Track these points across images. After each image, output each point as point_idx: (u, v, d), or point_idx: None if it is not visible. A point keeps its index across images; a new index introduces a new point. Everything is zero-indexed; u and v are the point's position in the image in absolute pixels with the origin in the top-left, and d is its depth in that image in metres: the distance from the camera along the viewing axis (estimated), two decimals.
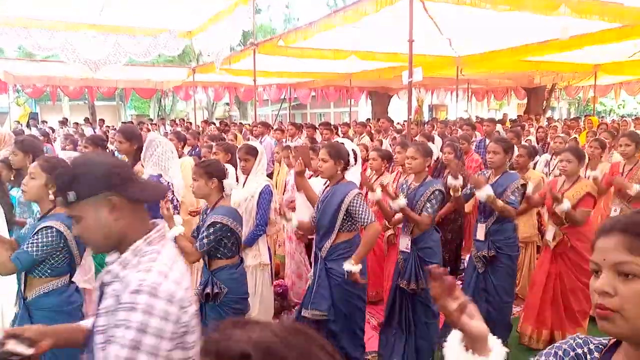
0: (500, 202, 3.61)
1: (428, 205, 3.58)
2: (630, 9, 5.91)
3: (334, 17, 6.48)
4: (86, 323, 1.22)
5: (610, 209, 4.77)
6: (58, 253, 2.55)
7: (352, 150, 3.46)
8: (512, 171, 4.02)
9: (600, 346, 1.05)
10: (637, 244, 0.91)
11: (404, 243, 3.71)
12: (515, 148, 4.06)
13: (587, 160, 4.65)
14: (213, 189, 3.11)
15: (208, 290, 2.97)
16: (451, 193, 3.94)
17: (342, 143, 3.45)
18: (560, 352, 1.08)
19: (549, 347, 1.12)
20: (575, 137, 7.88)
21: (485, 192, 3.54)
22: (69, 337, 1.56)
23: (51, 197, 2.62)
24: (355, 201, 3.22)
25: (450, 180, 3.86)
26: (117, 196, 1.43)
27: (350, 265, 3.15)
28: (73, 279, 2.76)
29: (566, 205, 3.70)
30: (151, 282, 1.34)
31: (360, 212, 3.21)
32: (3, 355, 1.37)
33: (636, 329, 0.90)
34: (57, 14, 8.91)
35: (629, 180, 4.63)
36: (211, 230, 2.97)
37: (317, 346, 0.76)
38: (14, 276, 2.71)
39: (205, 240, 2.97)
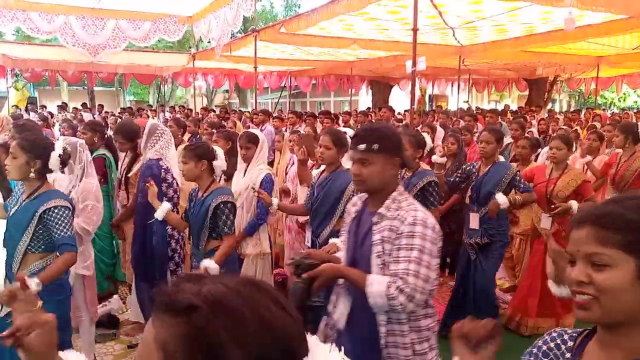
0: (518, 197, 3.62)
1: (431, 199, 3.56)
2: (637, 0, 5.85)
3: (336, 5, 6.40)
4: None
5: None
6: None
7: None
8: (502, 160, 4.02)
9: (574, 334, 1.10)
10: (607, 236, 0.96)
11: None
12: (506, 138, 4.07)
13: (574, 148, 4.77)
14: (203, 171, 3.10)
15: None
16: (435, 170, 3.97)
17: (345, 132, 3.42)
18: (534, 350, 1.14)
19: (529, 347, 1.18)
20: (576, 130, 7.86)
21: (502, 201, 3.55)
22: None
23: (32, 175, 2.62)
24: (349, 192, 3.20)
25: (434, 157, 3.87)
26: (399, 159, 2.03)
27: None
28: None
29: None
30: (421, 217, 1.90)
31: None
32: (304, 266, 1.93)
33: (610, 315, 0.96)
34: None
35: (624, 170, 4.67)
36: (226, 210, 3.00)
37: (269, 298, 0.74)
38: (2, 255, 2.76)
39: (229, 222, 3.01)
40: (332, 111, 14.09)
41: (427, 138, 3.91)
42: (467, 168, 4.10)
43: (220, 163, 3.17)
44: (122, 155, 4.68)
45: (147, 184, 3.07)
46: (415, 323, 1.96)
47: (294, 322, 0.74)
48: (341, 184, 3.25)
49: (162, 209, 3.13)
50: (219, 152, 3.21)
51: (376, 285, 1.85)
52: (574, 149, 4.57)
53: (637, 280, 0.93)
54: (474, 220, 3.92)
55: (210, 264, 2.84)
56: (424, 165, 4.48)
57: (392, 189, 2.02)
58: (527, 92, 18.54)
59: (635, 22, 7.08)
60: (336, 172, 3.33)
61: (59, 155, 2.69)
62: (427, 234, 1.86)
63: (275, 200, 3.56)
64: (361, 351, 1.95)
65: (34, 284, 2.26)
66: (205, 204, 3.04)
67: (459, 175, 4.12)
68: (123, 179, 4.37)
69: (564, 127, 7.19)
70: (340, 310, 2.09)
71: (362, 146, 1.97)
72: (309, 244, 3.43)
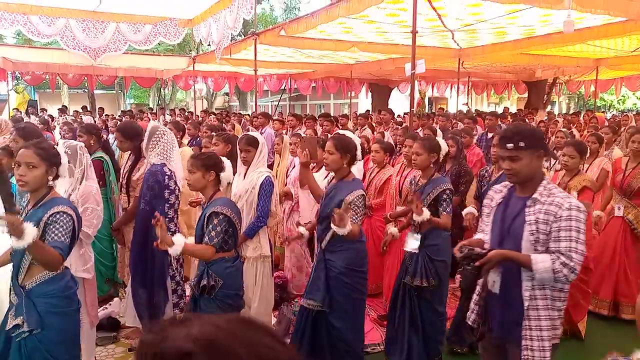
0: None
1: (444, 204, 3.49)
2: (634, 2, 5.87)
3: (336, 8, 6.42)
4: None
5: (614, 207, 4.78)
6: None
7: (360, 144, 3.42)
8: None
9: None
10: None
11: (414, 244, 3.57)
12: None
13: (588, 154, 4.69)
14: (210, 182, 3.03)
15: (204, 282, 2.92)
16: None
17: (351, 137, 3.40)
18: None
19: None
20: (571, 132, 7.87)
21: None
22: None
23: (51, 183, 2.60)
24: (356, 202, 3.17)
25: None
26: (543, 151, 2.38)
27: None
28: (71, 270, 2.77)
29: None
30: (575, 203, 2.30)
31: (354, 215, 3.15)
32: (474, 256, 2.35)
33: None
34: (57, 0, 8.84)
35: (631, 178, 4.64)
36: (215, 221, 2.90)
37: (262, 333, 0.71)
38: (8, 267, 2.71)
39: (213, 233, 2.89)
40: (332, 114, 14.12)
41: (442, 142, 3.76)
42: (481, 173, 4.07)
43: (227, 175, 3.13)
44: (125, 157, 4.68)
45: (155, 221, 2.76)
46: (553, 288, 2.36)
47: (289, 352, 0.72)
48: (343, 193, 3.20)
49: (177, 245, 2.82)
50: (227, 163, 3.17)
51: (541, 263, 2.26)
52: (587, 154, 4.55)
53: None
54: None
55: (177, 240, 2.78)
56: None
57: (541, 177, 2.41)
58: (526, 95, 18.57)
59: (633, 25, 7.11)
60: (342, 183, 3.28)
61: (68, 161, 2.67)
62: (580, 217, 2.27)
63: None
64: (509, 310, 2.41)
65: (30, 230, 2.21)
66: (204, 212, 3.01)
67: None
68: (124, 181, 4.38)
69: (563, 129, 7.20)
70: (492, 278, 2.47)
71: (510, 145, 2.33)
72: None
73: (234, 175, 3.96)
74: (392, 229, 4.04)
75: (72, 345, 2.69)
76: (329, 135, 5.38)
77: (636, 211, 4.63)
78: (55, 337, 2.52)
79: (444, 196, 3.51)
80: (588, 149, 4.63)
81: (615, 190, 4.84)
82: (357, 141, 3.40)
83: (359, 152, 3.34)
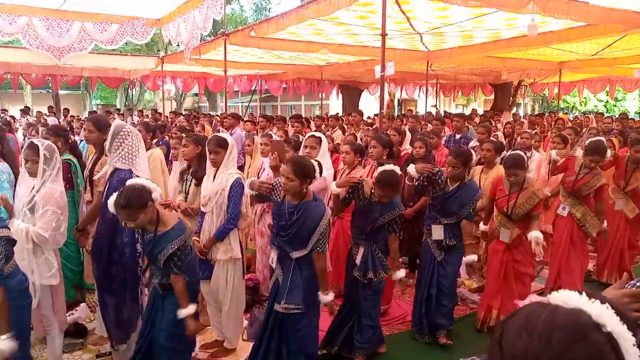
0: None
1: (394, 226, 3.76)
2: (595, 7, 6.08)
3: (306, 9, 6.43)
4: None
5: (560, 207, 5.06)
6: None
7: (318, 162, 3.33)
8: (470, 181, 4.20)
9: None
10: None
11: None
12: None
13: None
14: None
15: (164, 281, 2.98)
16: (407, 181, 4.09)
17: (319, 137, 3.41)
18: None
19: None
20: (536, 132, 8.08)
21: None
22: None
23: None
24: (323, 224, 3.15)
25: (410, 169, 3.99)
26: None
27: (324, 296, 3.24)
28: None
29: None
30: None
31: (320, 237, 3.16)
32: None
33: None
34: None
35: (582, 184, 4.84)
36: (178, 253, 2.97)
37: None
38: None
39: (179, 264, 2.96)
40: (303, 115, 14.12)
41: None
42: (434, 178, 4.10)
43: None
44: (90, 153, 4.52)
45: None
46: None
47: None
48: (314, 217, 3.14)
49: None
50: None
51: None
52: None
53: None
54: (437, 232, 4.07)
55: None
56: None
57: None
58: (492, 97, 18.99)
59: (593, 29, 7.37)
60: (306, 203, 3.18)
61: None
62: None
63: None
64: None
65: None
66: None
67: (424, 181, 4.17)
68: (88, 174, 4.23)
69: (528, 130, 7.40)
70: None
71: None
72: (273, 264, 3.40)
73: (203, 175, 3.92)
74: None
75: (25, 340, 2.78)
76: (300, 137, 5.39)
77: (584, 209, 4.83)
78: None
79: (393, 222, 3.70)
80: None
81: (563, 189, 5.03)
82: (326, 144, 3.41)
83: (317, 172, 3.24)
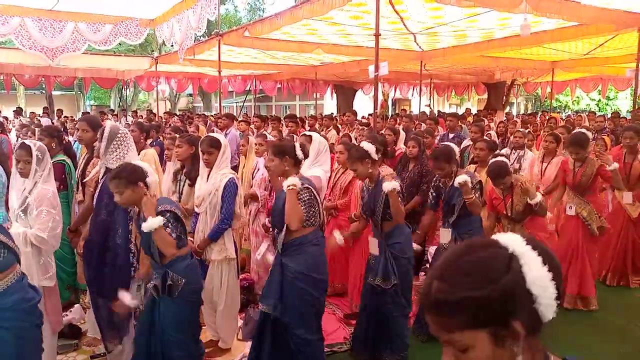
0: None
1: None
2: (586, 7, 6.13)
3: (300, 10, 6.44)
4: None
5: (567, 207, 5.01)
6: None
7: (300, 145, 3.38)
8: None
9: None
10: (449, 322, 0.94)
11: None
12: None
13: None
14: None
15: (169, 282, 2.91)
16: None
17: (310, 135, 3.43)
18: None
19: None
20: (530, 131, 8.13)
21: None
22: None
23: None
24: (302, 196, 3.17)
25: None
26: None
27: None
28: (31, 281, 2.66)
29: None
30: None
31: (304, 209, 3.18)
32: None
33: None
34: None
35: (580, 176, 4.85)
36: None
37: None
38: None
39: (168, 230, 2.90)
40: (298, 115, 14.13)
41: (370, 147, 3.75)
42: (435, 184, 4.11)
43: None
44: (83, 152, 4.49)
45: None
46: None
47: None
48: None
49: (154, 221, 2.83)
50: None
51: None
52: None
53: (496, 347, 0.94)
54: (444, 236, 3.97)
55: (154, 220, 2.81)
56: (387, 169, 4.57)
57: None
58: (486, 96, 19.06)
59: (585, 29, 7.43)
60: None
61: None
62: None
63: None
64: None
65: None
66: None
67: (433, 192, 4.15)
68: (80, 174, 4.20)
69: (521, 129, 7.43)
70: None
71: None
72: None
73: (196, 175, 3.92)
74: (337, 233, 3.93)
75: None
76: (294, 137, 5.41)
77: (589, 208, 4.83)
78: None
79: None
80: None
81: (569, 188, 5.03)
82: (317, 140, 3.40)
83: (298, 152, 3.31)
